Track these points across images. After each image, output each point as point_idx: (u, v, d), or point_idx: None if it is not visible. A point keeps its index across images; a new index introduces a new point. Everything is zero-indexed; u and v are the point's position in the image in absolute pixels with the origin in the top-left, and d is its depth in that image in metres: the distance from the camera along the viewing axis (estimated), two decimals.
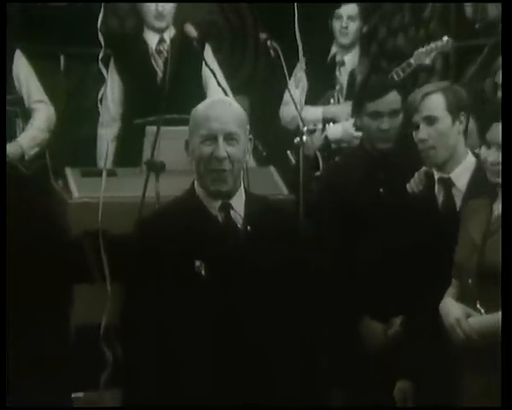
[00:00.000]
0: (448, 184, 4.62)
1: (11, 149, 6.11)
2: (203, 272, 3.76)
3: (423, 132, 4.55)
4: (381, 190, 5.01)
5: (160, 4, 6.31)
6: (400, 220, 4.76)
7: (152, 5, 6.33)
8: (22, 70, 6.28)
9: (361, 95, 5.47)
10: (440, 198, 4.66)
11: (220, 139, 3.77)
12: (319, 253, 4.63)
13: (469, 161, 4.61)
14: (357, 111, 5.31)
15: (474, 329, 4.07)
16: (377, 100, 5.12)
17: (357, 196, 5.05)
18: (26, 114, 6.29)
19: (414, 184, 4.77)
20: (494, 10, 6.44)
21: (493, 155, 4.11)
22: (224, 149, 3.76)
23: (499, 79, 4.71)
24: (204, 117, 3.84)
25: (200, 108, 3.92)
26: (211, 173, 3.80)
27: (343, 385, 5.10)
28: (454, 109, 4.58)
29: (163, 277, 3.79)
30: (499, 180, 4.13)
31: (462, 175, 4.59)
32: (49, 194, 6.21)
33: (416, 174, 4.75)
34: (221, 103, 4.01)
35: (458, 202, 4.59)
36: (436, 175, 4.63)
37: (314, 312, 3.98)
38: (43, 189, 6.25)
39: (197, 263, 3.75)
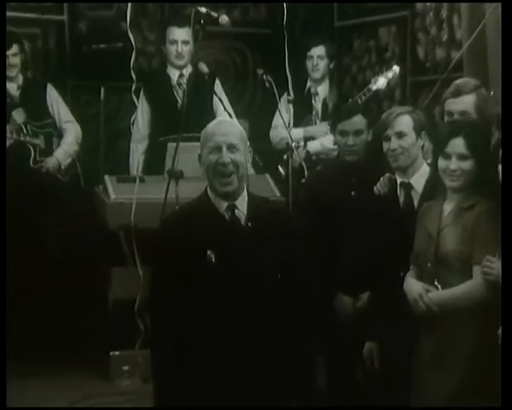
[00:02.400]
0: (408, 188, 4.62)
1: (50, 162, 6.29)
2: (213, 259, 3.75)
3: (394, 144, 4.56)
4: (352, 193, 4.96)
5: (180, 47, 6.30)
6: (369, 216, 4.72)
7: (174, 47, 6.32)
8: (54, 99, 6.41)
9: (333, 117, 5.49)
10: (402, 198, 4.65)
11: (224, 149, 3.77)
12: (305, 242, 4.61)
13: (425, 170, 4.62)
14: (332, 130, 5.30)
15: (433, 302, 4.10)
16: (344, 121, 5.10)
17: (334, 198, 5.01)
18: (59, 133, 6.38)
19: (380, 187, 4.77)
20: (441, 52, 6.55)
21: (454, 164, 4.12)
22: (227, 155, 3.76)
23: (447, 106, 4.73)
24: (211, 133, 3.84)
25: (209, 127, 3.92)
26: (218, 178, 3.79)
27: (323, 348, 5.04)
28: (418, 128, 4.61)
29: (181, 263, 3.78)
30: (455, 185, 4.14)
31: (419, 180, 4.60)
32: (81, 194, 6.34)
33: (382, 179, 4.76)
34: (225, 122, 4.07)
35: (416, 201, 4.58)
36: (398, 180, 4.65)
37: (300, 288, 3.94)
38: (76, 191, 6.38)
39: (208, 252, 3.75)
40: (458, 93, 4.71)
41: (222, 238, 3.80)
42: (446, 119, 4.73)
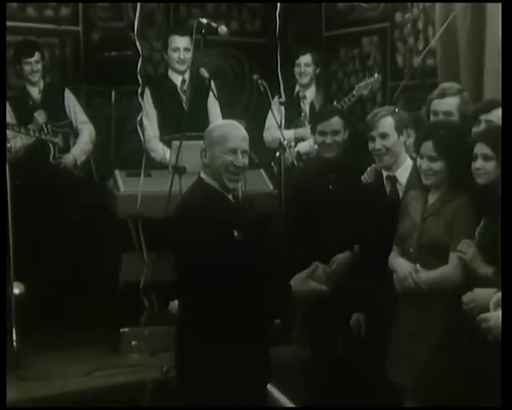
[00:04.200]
0: (393, 180, 4.65)
1: (67, 159, 6.31)
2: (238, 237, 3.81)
3: (379, 144, 4.59)
4: (330, 186, 5.03)
5: (182, 54, 6.31)
6: (354, 205, 4.72)
7: (176, 54, 6.32)
8: (71, 102, 6.43)
9: (313, 119, 5.56)
10: (388, 189, 4.67)
11: (239, 153, 3.90)
12: (293, 223, 4.74)
13: (408, 163, 4.65)
14: (312, 130, 5.32)
15: (421, 280, 4.13)
16: (323, 122, 5.14)
17: (313, 191, 5.05)
18: (75, 133, 6.41)
19: (367, 177, 4.80)
20: (417, 60, 6.46)
21: (425, 165, 4.16)
22: (241, 160, 3.90)
23: (433, 106, 4.76)
24: (230, 135, 3.92)
25: (223, 127, 4.02)
26: (229, 175, 3.90)
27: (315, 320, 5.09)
28: (399, 128, 4.62)
29: (206, 243, 3.75)
30: (429, 182, 4.17)
31: (403, 173, 4.62)
32: (94, 188, 6.34)
33: (369, 169, 4.79)
34: (239, 127, 4.04)
35: (400, 192, 4.61)
36: (384, 173, 4.67)
37: (288, 260, 4.16)
38: (90, 185, 6.38)
39: (235, 233, 3.80)
40: (443, 95, 4.77)
41: (227, 217, 3.87)
42: (432, 117, 4.77)
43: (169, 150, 5.99)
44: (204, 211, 3.84)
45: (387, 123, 4.64)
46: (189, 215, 3.88)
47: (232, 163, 3.90)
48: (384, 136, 4.61)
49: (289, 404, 4.08)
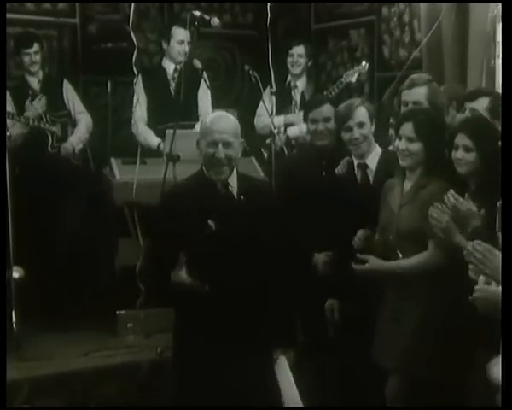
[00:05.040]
0: (364, 167, 4.67)
1: (65, 147, 6.25)
2: (213, 227, 3.81)
3: (357, 133, 4.59)
4: (323, 173, 4.99)
5: (186, 47, 6.27)
6: (335, 191, 4.74)
7: (181, 46, 6.27)
8: (69, 93, 6.39)
9: (305, 107, 5.50)
10: (359, 176, 4.68)
11: (220, 145, 3.86)
12: (284, 210, 4.65)
13: (377, 150, 4.68)
14: (305, 119, 5.31)
15: (399, 266, 4.17)
16: (314, 110, 5.14)
17: (307, 177, 5.01)
18: (73, 122, 6.37)
19: (340, 169, 4.81)
20: (403, 52, 6.57)
21: (403, 145, 4.17)
22: (222, 151, 3.86)
23: (403, 97, 4.77)
24: (210, 129, 3.91)
25: (208, 120, 3.99)
26: (213, 167, 3.90)
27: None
28: (371, 116, 4.66)
29: (183, 231, 3.80)
30: (405, 163, 4.18)
31: (372, 160, 4.66)
32: (91, 175, 6.30)
33: (342, 162, 4.80)
34: (223, 118, 4.01)
35: (371, 177, 4.65)
36: (355, 162, 4.68)
37: (279, 246, 4.00)
38: (87, 172, 6.34)
39: (209, 221, 3.81)
40: (412, 85, 4.78)
41: (219, 209, 3.86)
42: (402, 108, 4.77)
43: (153, 135, 6.07)
44: (191, 200, 3.86)
45: (363, 112, 4.66)
46: (178, 203, 3.90)
47: (214, 155, 3.88)
48: (361, 125, 4.63)
49: (293, 384, 4.05)
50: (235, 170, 3.99)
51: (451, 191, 3.83)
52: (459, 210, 3.74)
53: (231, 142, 3.91)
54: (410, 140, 4.17)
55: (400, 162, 4.23)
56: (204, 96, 6.41)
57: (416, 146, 4.17)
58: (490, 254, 2.86)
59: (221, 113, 4.15)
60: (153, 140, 6.20)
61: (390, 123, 4.98)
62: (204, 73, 6.35)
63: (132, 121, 6.35)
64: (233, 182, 3.97)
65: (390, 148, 4.79)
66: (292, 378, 4.04)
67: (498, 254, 2.83)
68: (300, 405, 4.06)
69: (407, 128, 4.19)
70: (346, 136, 4.67)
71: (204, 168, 3.97)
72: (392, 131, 4.87)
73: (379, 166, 4.65)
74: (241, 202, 3.96)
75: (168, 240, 3.87)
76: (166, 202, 4.07)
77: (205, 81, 6.30)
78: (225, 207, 3.89)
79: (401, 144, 4.19)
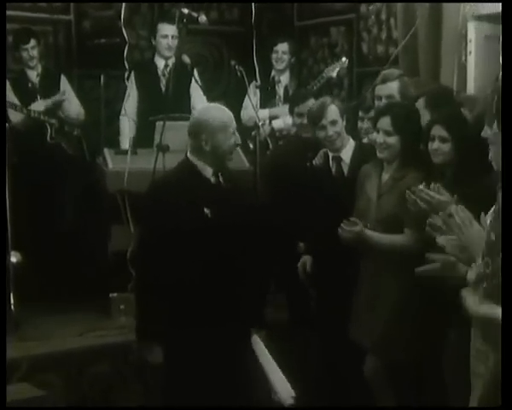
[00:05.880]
0: (338, 160, 4.72)
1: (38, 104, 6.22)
2: (209, 215, 3.81)
3: (331, 131, 4.63)
4: (308, 164, 4.92)
5: (170, 40, 6.32)
6: (313, 181, 4.79)
7: (165, 40, 6.33)
8: (66, 88, 6.40)
9: (290, 102, 5.58)
10: (334, 168, 4.73)
11: (236, 132, 3.95)
12: (268, 199, 4.78)
13: (351, 143, 4.72)
14: (291, 112, 5.39)
15: (372, 239, 4.18)
16: (300, 105, 5.23)
17: (293, 167, 5.04)
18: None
19: (317, 160, 4.83)
20: (381, 48, 6.62)
21: (380, 138, 4.21)
22: (239, 138, 3.99)
23: (376, 91, 4.84)
24: (222, 122, 3.89)
25: (211, 116, 3.92)
26: (229, 155, 3.93)
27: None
28: (342, 113, 4.69)
29: (173, 220, 3.80)
30: (383, 156, 4.21)
31: (346, 153, 4.70)
32: (86, 165, 6.30)
33: (319, 153, 4.82)
34: (224, 110, 4.02)
35: (345, 169, 4.69)
36: (331, 155, 4.73)
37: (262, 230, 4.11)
38: (82, 162, 6.35)
39: (206, 210, 3.82)
40: (385, 80, 4.85)
41: (209, 196, 3.87)
42: (376, 102, 4.83)
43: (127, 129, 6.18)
44: (183, 188, 3.86)
45: (334, 110, 4.68)
46: (167, 191, 3.89)
47: (235, 143, 3.95)
48: (334, 123, 4.65)
49: (271, 360, 4.08)
50: None
51: (420, 187, 3.80)
52: (431, 203, 3.75)
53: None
54: (387, 133, 4.20)
55: (378, 154, 4.26)
56: (196, 91, 6.43)
57: (393, 139, 4.20)
58: (469, 222, 2.88)
59: (217, 106, 4.13)
60: (125, 134, 6.26)
61: (361, 116, 5.01)
62: (195, 70, 6.38)
63: (122, 113, 6.39)
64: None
65: (365, 140, 4.85)
66: (270, 357, 4.08)
67: (478, 226, 2.86)
68: (287, 383, 4.08)
69: (385, 122, 4.21)
70: (320, 134, 4.70)
71: (189, 156, 3.95)
72: (363, 124, 4.94)
73: (353, 158, 4.69)
74: (227, 191, 3.97)
75: (157, 226, 3.87)
76: (155, 190, 4.08)
77: (195, 78, 6.32)
78: (213, 194, 3.89)
79: (379, 138, 4.22)
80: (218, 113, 3.98)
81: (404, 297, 4.15)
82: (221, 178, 3.96)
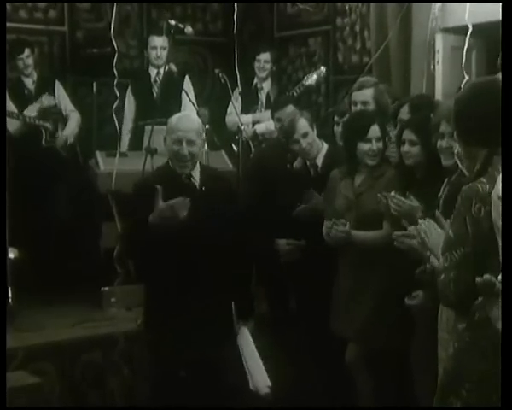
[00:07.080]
0: (315, 166, 4.73)
1: (59, 139, 6.28)
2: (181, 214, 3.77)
3: (304, 143, 4.63)
4: (288, 166, 4.92)
5: (159, 51, 6.33)
6: (296, 182, 4.76)
7: (154, 52, 6.35)
8: (60, 93, 6.42)
9: (271, 108, 5.61)
10: (312, 171, 4.76)
11: (184, 143, 3.89)
12: (249, 201, 4.73)
13: (324, 148, 4.73)
14: (273, 117, 5.42)
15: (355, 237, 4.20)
16: (279, 111, 5.24)
17: (274, 169, 4.98)
18: (64, 119, 6.38)
19: (297, 164, 4.84)
20: (355, 58, 6.64)
21: (374, 146, 4.20)
22: (186, 149, 3.89)
23: (353, 98, 4.82)
24: (175, 127, 3.94)
25: (173, 119, 4.00)
26: (177, 162, 3.93)
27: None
28: (311, 123, 4.69)
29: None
30: (374, 162, 4.21)
31: (320, 158, 4.72)
32: (79, 166, 6.33)
33: (297, 159, 4.83)
34: (187, 118, 4.08)
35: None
36: (308, 162, 4.76)
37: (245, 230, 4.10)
38: (76, 164, 6.37)
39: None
40: (361, 87, 4.85)
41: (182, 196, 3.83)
42: (353, 107, 4.82)
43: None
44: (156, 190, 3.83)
45: (304, 123, 4.67)
46: (147, 192, 3.86)
47: (178, 152, 3.90)
48: (305, 135, 4.65)
49: (254, 350, 4.09)
50: (198, 163, 4.02)
51: (391, 194, 3.85)
52: (402, 208, 3.80)
53: (194, 140, 3.92)
54: (378, 140, 4.23)
55: (369, 162, 4.24)
56: (185, 96, 6.36)
57: (381, 144, 4.25)
58: (434, 228, 2.92)
59: (185, 113, 4.20)
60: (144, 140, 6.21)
61: (337, 121, 5.01)
62: (187, 77, 6.46)
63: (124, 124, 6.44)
64: (196, 174, 3.99)
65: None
66: (254, 347, 4.06)
67: (440, 230, 2.90)
68: (264, 373, 4.05)
69: (375, 130, 4.23)
70: (294, 147, 4.71)
71: (170, 162, 4.00)
72: (338, 128, 4.91)
73: (325, 161, 4.70)
74: (203, 192, 3.97)
75: (138, 225, 3.88)
76: (136, 191, 4.07)
77: (182, 88, 6.33)
78: (189, 196, 3.85)
79: (374, 146, 4.22)
80: (187, 121, 4.00)
81: (384, 287, 4.13)
82: (195, 181, 3.98)
